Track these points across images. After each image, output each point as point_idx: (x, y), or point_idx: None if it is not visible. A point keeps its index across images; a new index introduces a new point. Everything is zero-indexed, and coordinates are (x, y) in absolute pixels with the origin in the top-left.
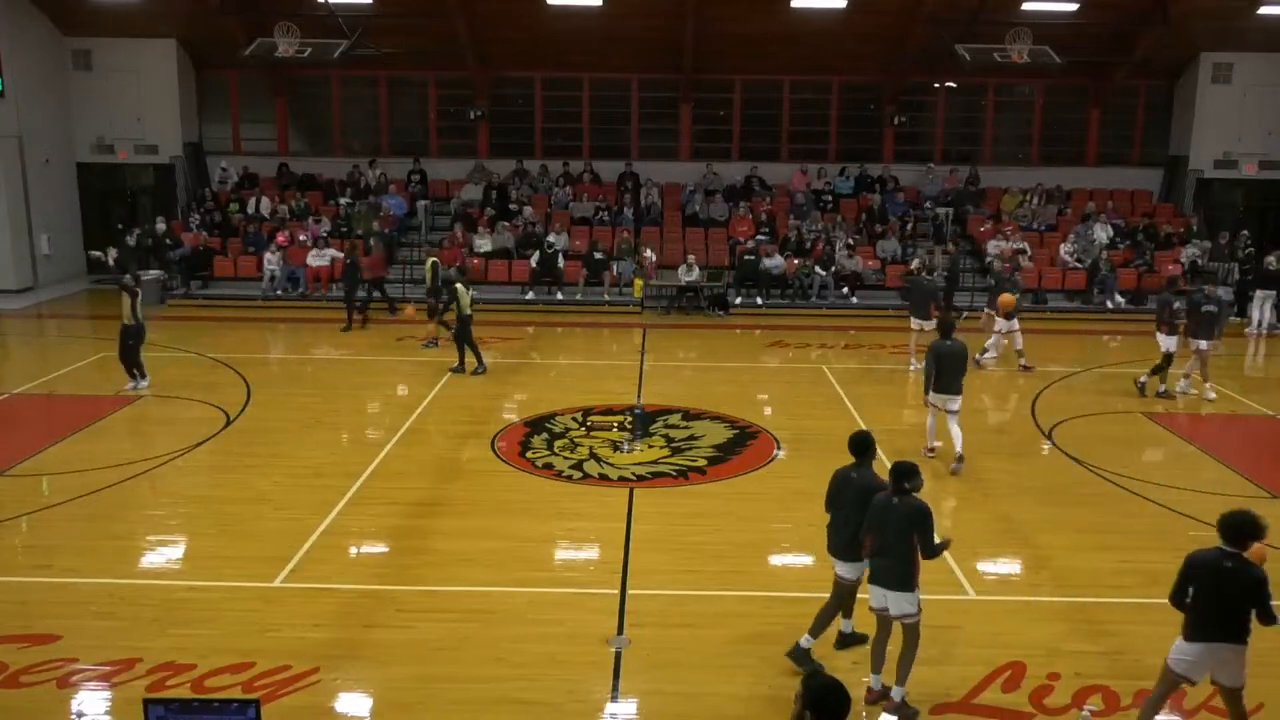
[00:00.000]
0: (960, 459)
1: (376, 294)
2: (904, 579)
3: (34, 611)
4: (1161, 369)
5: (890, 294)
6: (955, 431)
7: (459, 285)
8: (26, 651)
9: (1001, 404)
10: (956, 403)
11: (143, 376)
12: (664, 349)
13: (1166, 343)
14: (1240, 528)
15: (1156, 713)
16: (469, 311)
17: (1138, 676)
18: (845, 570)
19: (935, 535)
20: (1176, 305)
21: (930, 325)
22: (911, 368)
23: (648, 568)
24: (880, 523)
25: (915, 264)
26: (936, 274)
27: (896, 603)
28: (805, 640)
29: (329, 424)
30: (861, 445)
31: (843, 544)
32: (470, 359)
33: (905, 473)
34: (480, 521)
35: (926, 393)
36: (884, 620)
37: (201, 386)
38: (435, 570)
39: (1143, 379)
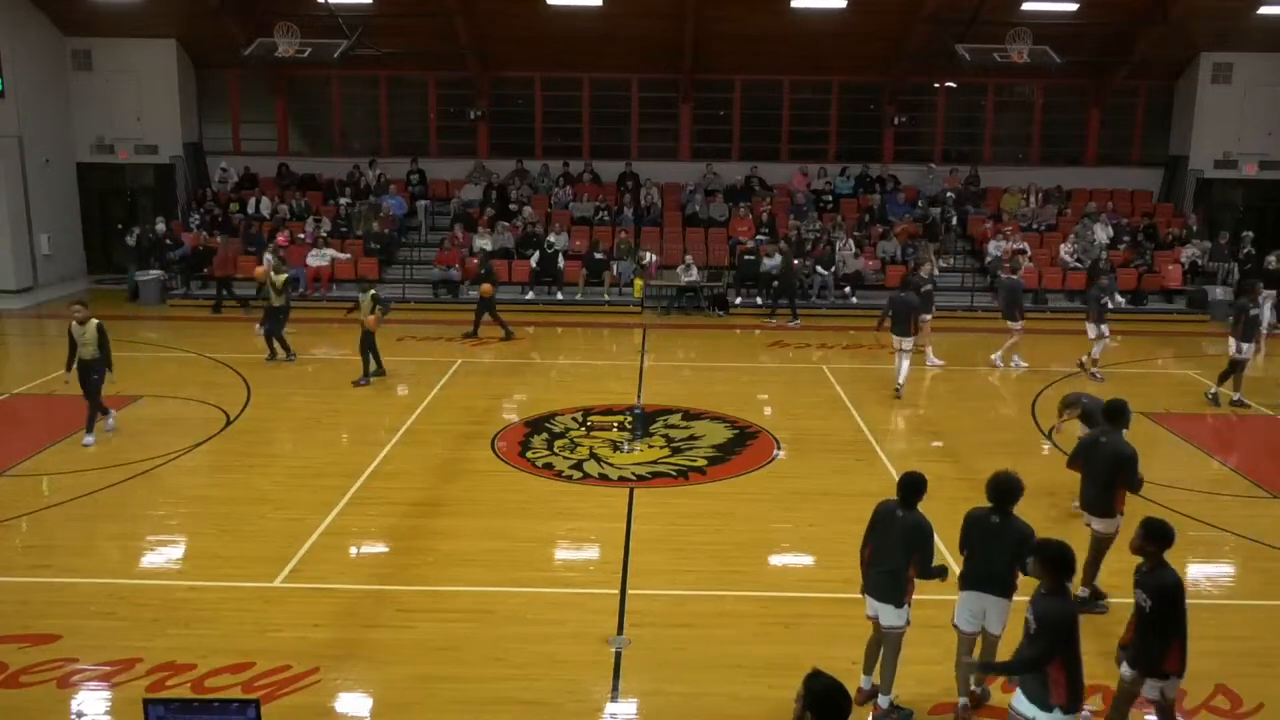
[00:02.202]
0: (900, 387)
1: (225, 292)
2: (896, 593)
3: (34, 611)
4: (1227, 375)
5: (891, 294)
6: (904, 366)
7: (369, 295)
8: (26, 651)
9: (1002, 404)
10: (906, 343)
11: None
12: (664, 349)
13: (1243, 349)
14: (1002, 490)
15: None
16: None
17: None
18: (1101, 525)
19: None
20: (1254, 313)
21: (1019, 325)
22: (997, 365)
23: (648, 568)
24: (882, 533)
25: (1008, 263)
26: (1019, 274)
27: (886, 614)
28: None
29: (329, 424)
30: (1117, 412)
31: (1091, 499)
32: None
33: (915, 485)
34: (480, 521)
35: (878, 327)
36: (878, 623)
37: (201, 386)
38: (435, 570)
39: (1213, 390)
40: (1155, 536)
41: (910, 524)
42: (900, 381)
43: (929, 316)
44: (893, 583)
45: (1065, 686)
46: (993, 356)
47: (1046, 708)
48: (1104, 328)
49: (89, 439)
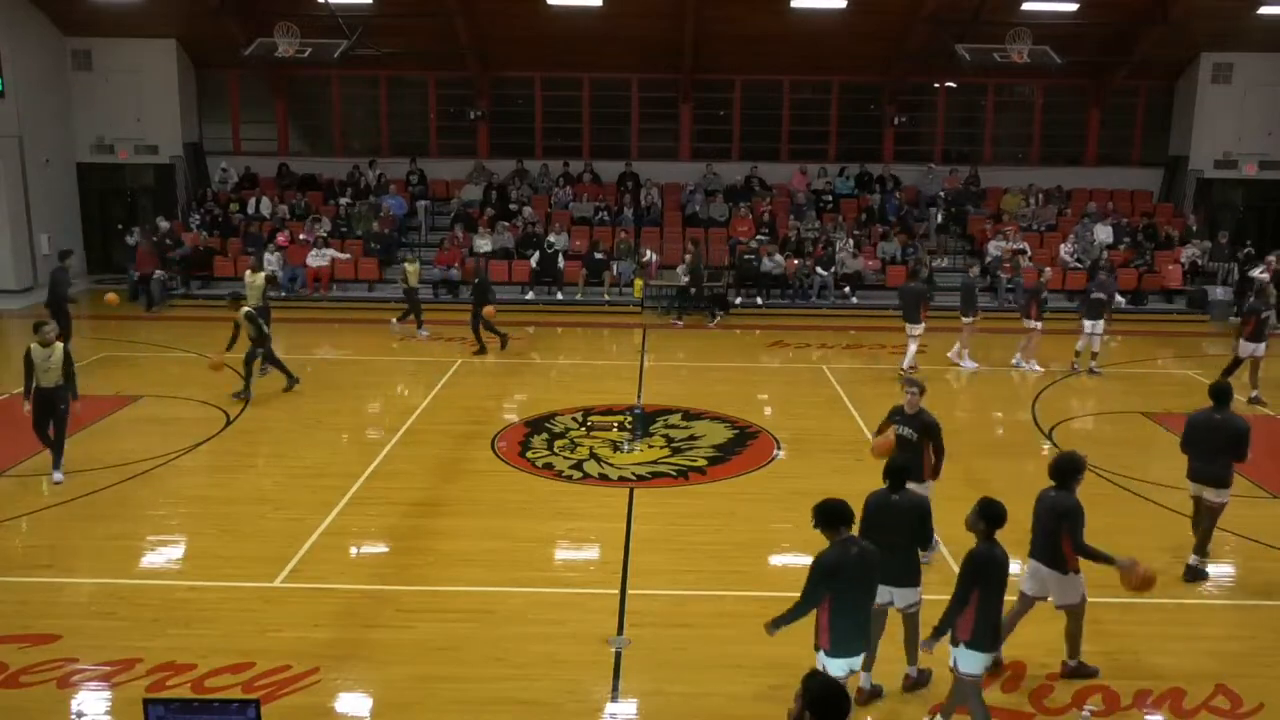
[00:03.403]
0: (912, 368)
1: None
2: (911, 574)
3: (34, 611)
4: (1231, 370)
5: (890, 294)
6: (911, 349)
7: (244, 312)
8: (26, 651)
9: (1002, 404)
10: (915, 329)
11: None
12: (664, 349)
13: (1247, 348)
14: (1064, 469)
15: (1010, 631)
16: (267, 331)
17: (1138, 676)
18: (1216, 495)
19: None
20: (1265, 315)
21: (1035, 325)
22: (1016, 365)
23: (648, 568)
24: (880, 521)
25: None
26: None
27: (903, 596)
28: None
29: (329, 424)
30: (1225, 394)
31: (1210, 473)
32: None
33: (903, 469)
34: (480, 521)
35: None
36: (879, 614)
37: (201, 386)
38: (435, 570)
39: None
40: (986, 515)
41: (909, 504)
42: (905, 365)
43: (973, 319)
44: (906, 565)
45: (826, 629)
46: (1026, 363)
47: (815, 647)
48: (1099, 324)
49: (58, 475)
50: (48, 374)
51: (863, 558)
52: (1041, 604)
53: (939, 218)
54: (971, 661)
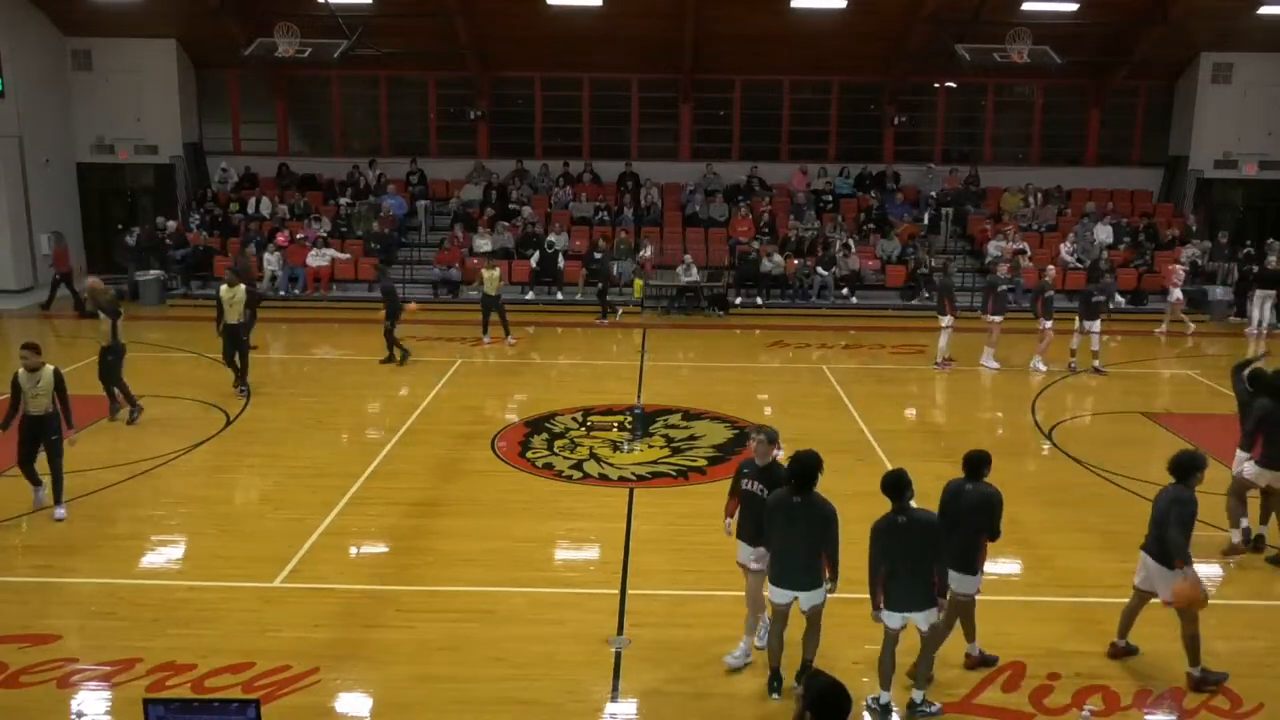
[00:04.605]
0: (944, 360)
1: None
2: (969, 562)
3: (34, 611)
4: None
5: (890, 294)
6: (941, 342)
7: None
8: (26, 651)
9: (1002, 404)
10: (944, 321)
11: (115, 404)
12: (664, 349)
13: None
14: (1185, 466)
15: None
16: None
17: (1138, 676)
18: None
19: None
20: None
21: (1049, 325)
22: (1034, 367)
23: (648, 568)
24: (948, 510)
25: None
26: (1050, 277)
27: (959, 583)
28: None
29: (329, 424)
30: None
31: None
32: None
33: (981, 462)
34: (480, 521)
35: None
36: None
37: (202, 386)
38: (435, 570)
39: None
40: (882, 484)
41: (978, 496)
42: (941, 356)
43: (1000, 318)
44: (965, 553)
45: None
46: (1034, 362)
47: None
48: (1096, 324)
49: (60, 511)
50: (36, 400)
51: (800, 507)
52: (1039, 603)
53: (926, 218)
54: (888, 616)
